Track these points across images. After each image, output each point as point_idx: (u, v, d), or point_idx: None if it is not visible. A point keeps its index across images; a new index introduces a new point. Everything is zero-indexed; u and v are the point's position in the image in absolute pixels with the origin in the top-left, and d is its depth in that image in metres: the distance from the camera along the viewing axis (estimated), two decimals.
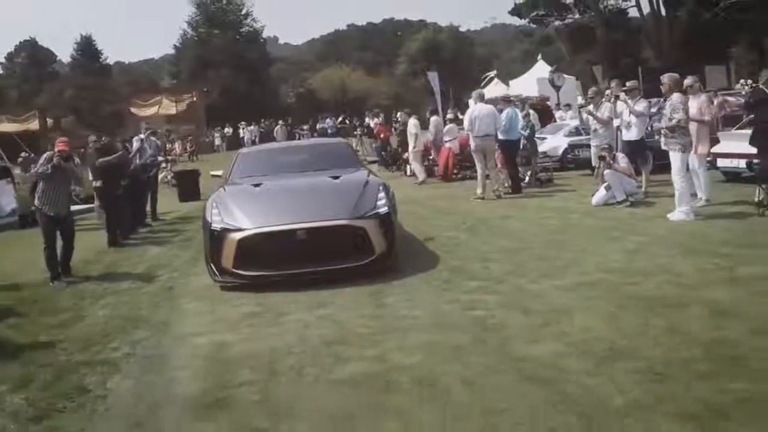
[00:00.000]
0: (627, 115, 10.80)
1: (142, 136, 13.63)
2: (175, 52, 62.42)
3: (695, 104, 9.45)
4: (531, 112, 15.70)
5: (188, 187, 17.00)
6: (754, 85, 17.82)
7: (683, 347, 4.46)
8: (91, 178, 11.70)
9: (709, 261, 6.62)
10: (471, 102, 13.65)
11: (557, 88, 26.10)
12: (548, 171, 14.39)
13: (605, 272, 6.51)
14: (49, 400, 4.51)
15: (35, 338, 6.01)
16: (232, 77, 51.02)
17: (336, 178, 8.23)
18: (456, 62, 57.14)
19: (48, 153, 8.79)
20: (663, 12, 39.61)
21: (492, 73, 39.37)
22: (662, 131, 8.94)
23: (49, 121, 38.54)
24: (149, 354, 5.35)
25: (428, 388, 4.17)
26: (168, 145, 28.02)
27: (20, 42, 73.66)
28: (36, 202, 8.79)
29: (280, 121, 39.40)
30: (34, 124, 35.82)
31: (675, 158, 8.72)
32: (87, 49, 62.17)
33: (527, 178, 13.77)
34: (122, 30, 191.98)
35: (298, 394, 4.29)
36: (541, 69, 30.88)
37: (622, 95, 11.03)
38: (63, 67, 68.00)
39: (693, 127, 9.26)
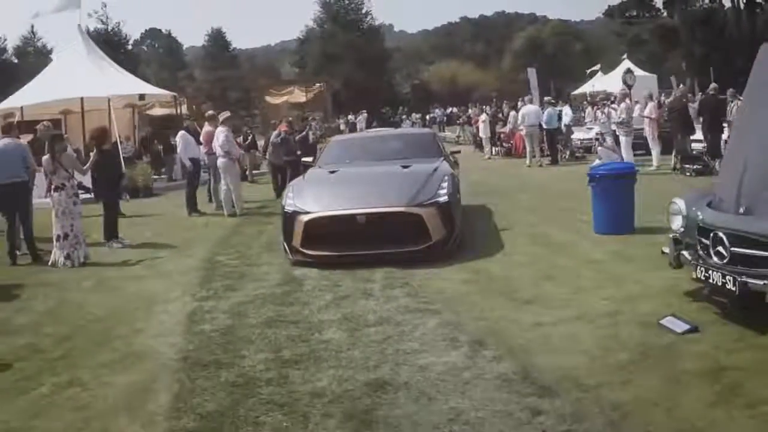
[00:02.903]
0: (614, 113, 18.05)
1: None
2: (298, 44, 71.39)
3: (648, 107, 16.68)
4: (587, 108, 23.16)
5: None
6: None
7: (546, 200, 12.04)
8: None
9: None
10: (527, 100, 21.23)
11: (629, 87, 32.81)
12: (581, 150, 21.67)
13: (553, 192, 14.09)
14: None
15: None
16: (353, 70, 59.50)
17: (406, 167, 8.98)
18: (559, 57, 63.73)
19: (276, 131, 17.29)
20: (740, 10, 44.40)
21: (596, 67, 45.33)
22: (615, 124, 16.38)
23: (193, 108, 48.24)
24: None
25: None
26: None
27: (145, 30, 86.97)
28: (267, 156, 17.32)
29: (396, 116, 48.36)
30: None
31: (622, 140, 16.07)
32: (218, 39, 72.80)
33: (567, 155, 21.12)
34: (245, 18, 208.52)
35: None
36: (626, 68, 37.37)
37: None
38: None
39: (646, 121, 16.51)
